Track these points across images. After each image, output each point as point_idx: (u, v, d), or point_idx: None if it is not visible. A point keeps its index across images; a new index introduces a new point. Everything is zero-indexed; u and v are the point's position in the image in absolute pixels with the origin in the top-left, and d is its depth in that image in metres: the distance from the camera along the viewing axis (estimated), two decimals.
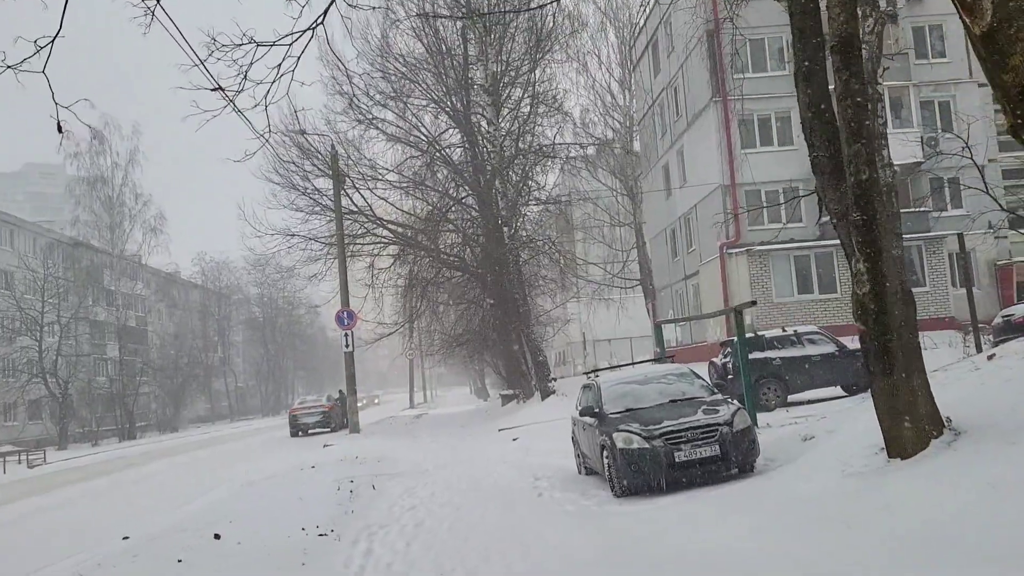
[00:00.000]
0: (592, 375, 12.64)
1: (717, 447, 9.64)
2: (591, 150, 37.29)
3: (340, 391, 34.38)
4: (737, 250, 28.75)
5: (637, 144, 41.84)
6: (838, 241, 27.11)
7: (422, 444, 22.65)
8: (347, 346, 27.14)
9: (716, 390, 11.05)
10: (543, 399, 26.88)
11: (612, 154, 40.30)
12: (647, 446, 9.71)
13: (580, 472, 12.69)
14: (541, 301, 37.69)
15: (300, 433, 34.38)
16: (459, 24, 30.18)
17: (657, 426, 9.85)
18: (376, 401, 70.24)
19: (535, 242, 30.55)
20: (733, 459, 9.73)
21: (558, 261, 31.82)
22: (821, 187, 8.28)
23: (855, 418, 10.08)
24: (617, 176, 41.06)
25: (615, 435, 9.99)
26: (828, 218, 16.71)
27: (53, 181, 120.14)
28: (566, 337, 49.10)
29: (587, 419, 11.28)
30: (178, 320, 73.70)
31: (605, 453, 10.26)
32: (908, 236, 28.26)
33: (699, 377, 11.56)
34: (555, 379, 28.80)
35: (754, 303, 15.93)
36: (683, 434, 9.71)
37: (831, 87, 8.00)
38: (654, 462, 9.64)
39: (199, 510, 11.63)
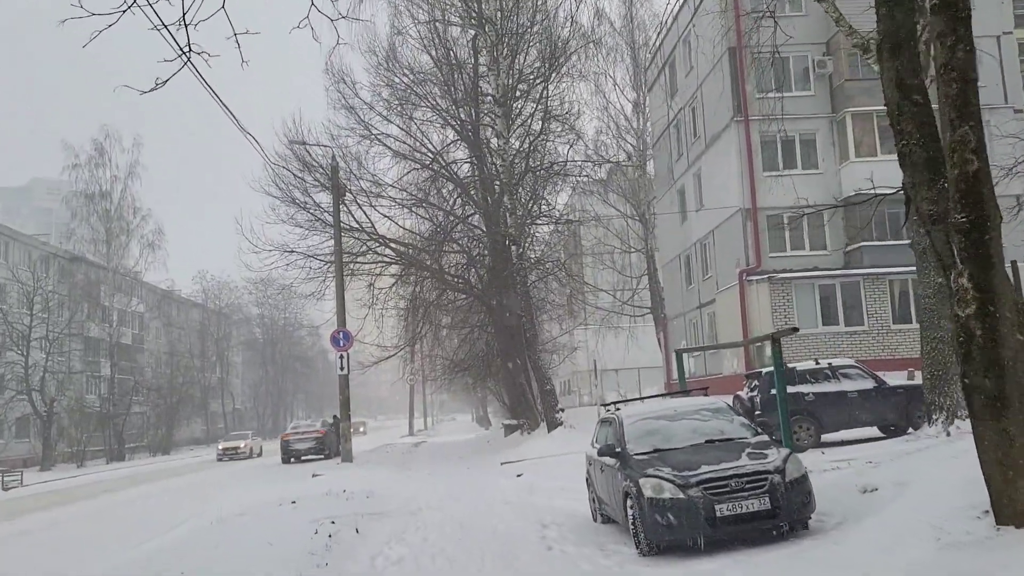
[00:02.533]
0: (611, 407, 11.00)
1: (767, 499, 7.99)
2: (603, 173, 35.98)
3: (335, 416, 32.89)
4: (757, 277, 27.16)
5: (651, 168, 40.51)
6: (865, 270, 25.32)
7: (417, 477, 20.94)
8: (342, 368, 25.52)
9: (760, 430, 9.39)
10: (550, 431, 25.16)
11: (625, 177, 38.97)
12: (681, 496, 8.06)
13: (595, 519, 11.03)
14: (548, 327, 36.12)
15: (292, 459, 32.84)
16: (470, 35, 28.98)
17: (694, 472, 8.20)
18: (362, 430, 67.51)
19: (544, 264, 28.99)
20: (785, 515, 8.06)
21: (567, 284, 30.24)
22: (911, 183, 6.69)
23: (930, 467, 8.45)
24: (629, 200, 39.68)
25: (642, 481, 8.35)
26: (917, 229, 15.01)
27: (59, 197, 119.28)
28: (572, 365, 47.37)
29: (607, 459, 9.64)
30: (175, 338, 72.12)
31: (629, 502, 8.61)
32: None
33: (738, 413, 9.92)
34: (562, 409, 27.07)
35: (796, 330, 14.29)
36: (725, 483, 8.06)
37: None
38: (690, 516, 7.99)
39: (150, 553, 10.01)
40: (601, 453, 9.68)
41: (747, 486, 8.04)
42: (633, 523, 8.55)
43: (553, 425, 25.23)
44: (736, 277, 27.98)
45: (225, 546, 9.98)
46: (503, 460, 22.31)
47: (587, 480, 11.38)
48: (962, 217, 6.08)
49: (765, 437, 9.16)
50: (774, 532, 8.11)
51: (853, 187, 27.03)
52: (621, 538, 9.56)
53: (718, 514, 7.95)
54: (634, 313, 41.46)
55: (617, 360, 45.01)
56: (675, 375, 37.76)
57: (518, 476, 17.80)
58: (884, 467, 9.90)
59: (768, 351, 27.40)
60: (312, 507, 13.51)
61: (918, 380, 19.19)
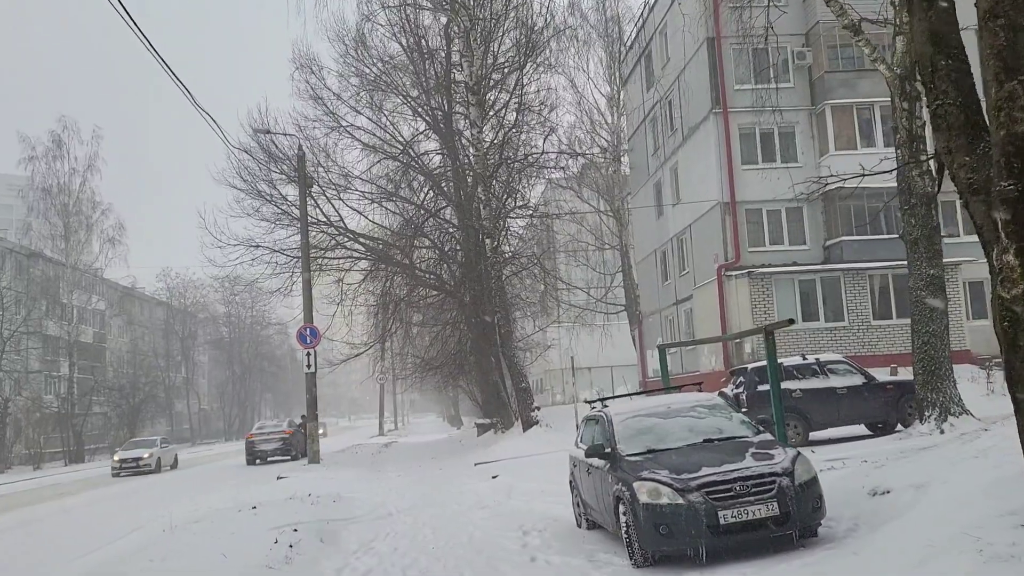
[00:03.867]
0: (597, 404, 10.19)
1: (775, 505, 7.22)
2: (576, 169, 35.28)
3: (303, 416, 31.90)
4: (737, 273, 26.55)
5: (625, 163, 39.88)
6: (845, 265, 24.72)
7: (388, 479, 20.01)
8: (309, 366, 24.52)
9: (762, 428, 8.62)
10: (525, 430, 24.34)
11: (599, 173, 38.31)
12: (681, 501, 7.27)
13: (580, 525, 10.23)
14: (522, 324, 35.33)
15: (258, 461, 31.75)
16: (442, 22, 28.12)
17: (693, 475, 7.41)
18: (321, 431, 65.78)
19: (519, 258, 28.17)
20: (795, 521, 7.30)
21: (542, 279, 29.45)
22: (945, 148, 5.93)
23: (947, 468, 7.73)
24: (603, 196, 39.03)
25: (637, 485, 7.56)
26: (908, 219, 14.32)
27: (16, 191, 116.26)
28: (546, 363, 46.59)
29: (595, 461, 8.83)
30: (138, 337, 70.33)
31: (622, 508, 7.81)
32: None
33: (736, 410, 9.17)
34: (538, 408, 26.25)
35: (791, 321, 13.59)
36: (729, 486, 7.27)
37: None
38: (690, 523, 7.20)
39: (89, 569, 9.04)
40: (589, 454, 8.86)
41: (753, 490, 7.26)
42: (626, 531, 7.74)
43: (528, 424, 24.42)
44: (714, 272, 27.37)
45: (174, 558, 9.04)
46: (477, 461, 21.47)
47: (571, 483, 10.58)
48: (1009, 185, 5.32)
49: (768, 435, 8.41)
50: (782, 540, 7.34)
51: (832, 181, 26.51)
52: (611, 546, 8.77)
53: (721, 521, 7.17)
54: (608, 311, 40.80)
55: (590, 358, 44.27)
56: (650, 373, 37.25)
57: (494, 477, 16.96)
58: (890, 467, 9.19)
59: (748, 347, 26.94)
60: (274, 513, 12.57)
61: (902, 376, 18.70)
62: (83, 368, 57.37)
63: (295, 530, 10.70)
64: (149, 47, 12.31)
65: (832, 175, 11.33)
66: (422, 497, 15.30)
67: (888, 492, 8.04)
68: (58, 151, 50.60)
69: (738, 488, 7.26)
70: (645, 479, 7.57)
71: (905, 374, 19.57)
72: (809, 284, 26.49)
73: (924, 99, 16.34)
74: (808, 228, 27.41)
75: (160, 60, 13.45)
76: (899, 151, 15.48)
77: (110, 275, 60.32)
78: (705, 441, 8.25)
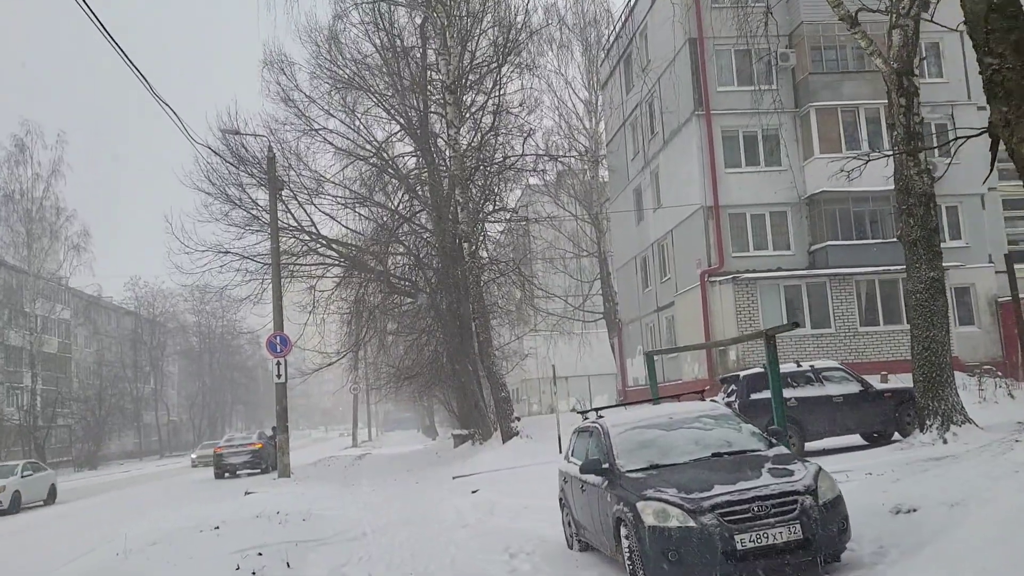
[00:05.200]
0: (591, 414, 9.35)
1: (798, 527, 6.43)
2: (553, 175, 34.57)
3: (274, 428, 30.84)
4: (721, 279, 25.91)
5: (603, 170, 39.27)
6: (831, 270, 24.16)
7: (361, 494, 19.04)
8: (279, 376, 23.47)
9: (774, 440, 7.85)
10: (504, 441, 23.44)
11: (577, 179, 37.66)
12: (692, 524, 6.46)
13: (571, 547, 9.39)
14: (499, 332, 34.52)
15: (227, 475, 30.67)
16: (417, 21, 27.34)
17: (705, 494, 6.61)
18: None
19: (498, 263, 27.34)
20: (819, 546, 6.51)
21: (520, 285, 28.64)
22: (1002, 119, 5.21)
23: (984, 483, 7.00)
24: (581, 202, 38.36)
25: (641, 505, 6.74)
26: (906, 220, 13.74)
27: None
28: (523, 373, 45.79)
29: (591, 478, 8.01)
30: (105, 347, 68.56)
31: (624, 531, 7.00)
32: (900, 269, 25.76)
33: (745, 420, 8.39)
34: (518, 418, 25.38)
35: (796, 325, 12.87)
36: (747, 507, 6.48)
37: None
38: (703, 549, 6.39)
39: None
40: (585, 470, 8.01)
41: (773, 511, 6.47)
42: (629, 557, 6.92)
43: (508, 435, 23.54)
44: (697, 278, 26.71)
45: None
46: (455, 474, 20.57)
47: (561, 500, 9.74)
48: None
49: (783, 449, 7.63)
50: (805, 568, 6.56)
51: (817, 185, 26.04)
52: (609, 571, 7.95)
53: (739, 546, 6.36)
54: (586, 319, 40.09)
55: (568, 367, 43.54)
56: (630, 381, 36.54)
57: (473, 492, 16.09)
58: (911, 482, 8.46)
59: (732, 355, 26.26)
60: (238, 533, 11.64)
61: (893, 384, 18.10)
62: (47, 379, 55.65)
63: (260, 554, 9.82)
64: (101, 28, 11.39)
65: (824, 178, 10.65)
66: (398, 514, 14.38)
67: (915, 510, 7.31)
68: (21, 156, 49.07)
69: (756, 509, 6.47)
70: (651, 498, 6.76)
71: (896, 382, 19.00)
72: (795, 290, 25.93)
73: (919, 96, 15.70)
74: (793, 233, 26.87)
75: (114, 44, 12.53)
76: (896, 148, 14.87)
77: (75, 283, 58.69)
78: (714, 455, 7.46)
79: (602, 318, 40.33)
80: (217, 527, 12.27)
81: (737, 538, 6.37)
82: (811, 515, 6.47)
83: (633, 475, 7.33)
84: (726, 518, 6.45)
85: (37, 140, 49.55)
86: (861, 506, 8.14)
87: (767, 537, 6.39)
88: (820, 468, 7.03)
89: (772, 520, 6.42)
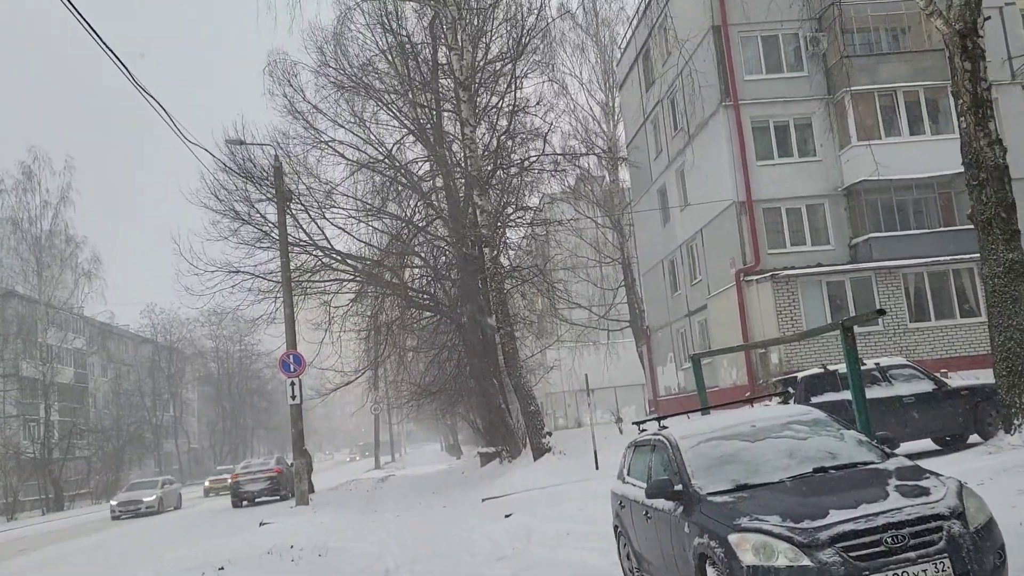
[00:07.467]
0: (651, 424, 7.86)
1: (947, 563, 4.93)
2: (572, 180, 33.23)
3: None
4: (758, 277, 24.38)
5: (624, 172, 37.91)
6: (875, 264, 22.48)
7: (384, 521, 17.56)
8: (293, 396, 22.11)
9: (888, 449, 6.36)
10: (536, 459, 21.89)
11: (597, 184, 36.29)
12: (807, 563, 4.96)
13: None
14: (522, 344, 33.08)
15: (244, 503, 29.28)
16: (427, 19, 26.11)
17: (819, 522, 5.12)
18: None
19: (521, 270, 25.94)
20: None
21: (545, 293, 27.22)
22: None
23: None
24: (602, 207, 36.96)
25: (735, 539, 5.25)
26: (978, 196, 12.25)
27: None
28: (547, 386, 44.21)
29: (659, 503, 6.54)
30: (122, 376, 67.62)
31: (712, 571, 5.52)
32: (959, 257, 24.15)
33: (845, 425, 6.88)
34: (549, 433, 23.82)
35: (882, 312, 11.30)
36: (877, 538, 4.99)
37: None
38: None
39: None
40: (652, 493, 6.50)
41: (912, 543, 4.98)
42: None
43: (540, 452, 21.99)
44: (732, 278, 25.19)
45: None
46: (485, 496, 19.06)
47: (616, 528, 8.25)
48: None
49: (905, 460, 6.13)
50: None
51: (856, 175, 24.52)
52: None
53: None
54: (610, 328, 38.57)
55: (594, 379, 41.94)
56: (662, 390, 34.95)
57: (507, 516, 14.60)
58: None
59: (774, 358, 24.67)
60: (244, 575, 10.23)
61: (968, 380, 16.48)
62: (63, 410, 54.68)
63: None
64: (92, 33, 10.13)
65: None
66: (426, 544, 12.90)
67: None
68: (28, 183, 48.32)
69: (890, 540, 4.97)
70: (747, 530, 5.27)
71: (957, 379, 17.38)
72: (838, 286, 24.35)
73: (985, 60, 14.17)
74: (831, 226, 25.31)
75: (106, 48, 11.27)
76: (962, 119, 13.37)
77: (88, 311, 57.83)
78: (816, 471, 5.96)
79: (628, 326, 38.87)
80: (221, 568, 10.87)
81: None
82: (962, 545, 4.97)
83: (717, 499, 5.84)
84: (851, 553, 4.95)
85: (45, 167, 48.91)
86: None
87: (905, 574, 4.90)
88: (962, 483, 5.51)
89: (913, 555, 4.92)
